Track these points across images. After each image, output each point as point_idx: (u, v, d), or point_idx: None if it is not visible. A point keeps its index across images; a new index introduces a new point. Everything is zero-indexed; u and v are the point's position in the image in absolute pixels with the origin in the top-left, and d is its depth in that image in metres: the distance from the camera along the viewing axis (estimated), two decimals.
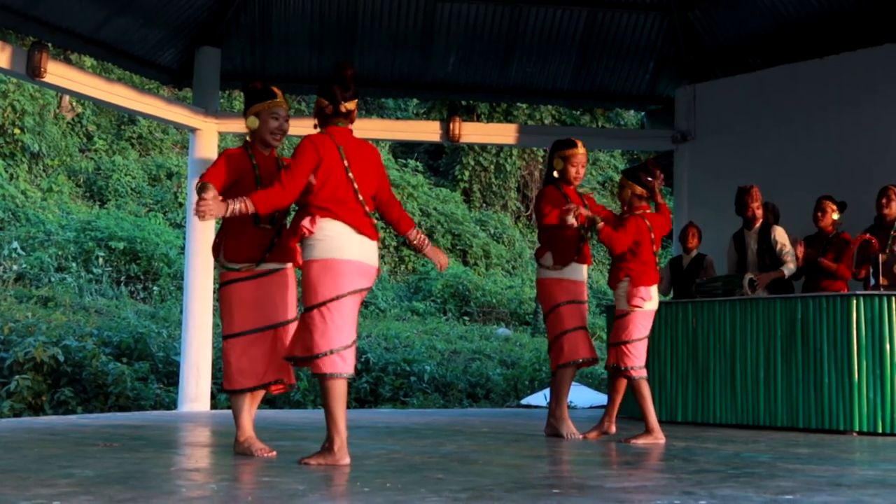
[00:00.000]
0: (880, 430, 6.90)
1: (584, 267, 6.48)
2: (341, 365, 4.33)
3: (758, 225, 8.08)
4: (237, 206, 4.33)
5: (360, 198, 4.47)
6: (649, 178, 6.18)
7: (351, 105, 4.61)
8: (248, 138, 4.92)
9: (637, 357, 6.15)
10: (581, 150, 6.40)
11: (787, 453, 5.33)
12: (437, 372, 14.98)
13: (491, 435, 6.57)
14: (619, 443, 5.98)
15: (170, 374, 12.38)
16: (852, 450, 5.82)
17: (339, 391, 4.33)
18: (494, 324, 20.53)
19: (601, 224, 6.06)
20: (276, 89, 4.94)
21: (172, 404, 11.19)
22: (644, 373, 6.16)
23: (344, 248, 4.37)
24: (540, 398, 12.60)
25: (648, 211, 6.21)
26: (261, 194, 4.40)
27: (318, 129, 4.62)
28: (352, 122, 4.65)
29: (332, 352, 4.30)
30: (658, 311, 8.09)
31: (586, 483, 3.82)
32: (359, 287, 4.42)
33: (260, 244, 4.81)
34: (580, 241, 6.35)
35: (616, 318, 6.27)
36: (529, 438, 6.31)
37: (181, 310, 10.99)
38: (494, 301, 21.24)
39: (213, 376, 10.32)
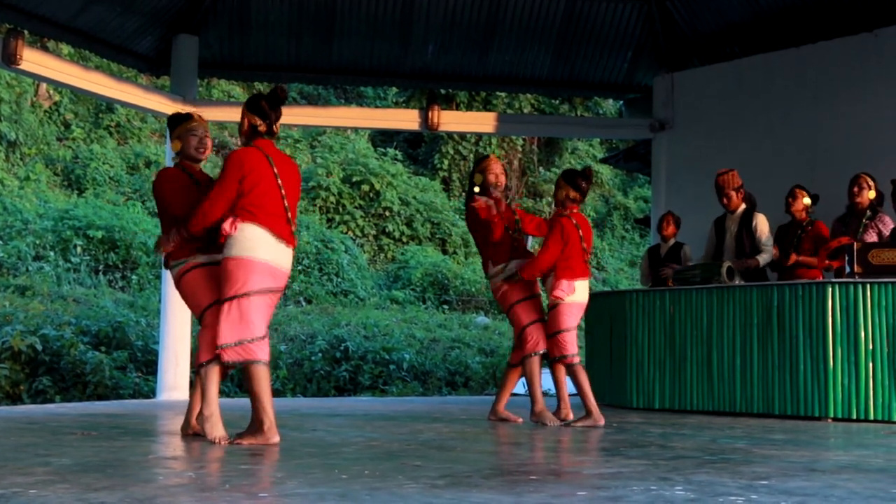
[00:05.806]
0: (854, 417, 6.96)
1: None
2: (256, 353, 4.65)
3: (740, 210, 8.11)
4: (177, 236, 4.87)
5: (286, 204, 4.80)
6: (584, 184, 6.54)
7: (278, 124, 4.99)
8: (175, 160, 5.27)
9: (570, 345, 6.44)
10: (492, 159, 6.79)
11: (762, 439, 5.38)
12: (416, 360, 14.99)
13: (469, 422, 6.59)
14: (562, 425, 6.27)
15: (148, 363, 12.34)
16: (827, 435, 5.88)
17: (261, 375, 4.68)
18: (473, 312, 20.55)
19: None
20: (193, 113, 5.38)
21: (151, 393, 11.16)
22: (577, 360, 6.44)
23: (259, 249, 4.69)
24: (519, 386, 12.62)
25: (576, 211, 6.58)
26: (192, 215, 4.78)
27: (244, 143, 4.96)
28: (275, 137, 5.01)
29: (240, 342, 4.63)
30: (635, 300, 8.20)
31: (563, 469, 3.85)
32: (268, 286, 4.73)
33: (200, 238, 5.08)
34: (512, 239, 6.64)
35: (549, 309, 6.59)
36: (507, 426, 6.35)
37: (160, 298, 10.95)
38: (474, 290, 21.25)
39: (192, 364, 10.29)
